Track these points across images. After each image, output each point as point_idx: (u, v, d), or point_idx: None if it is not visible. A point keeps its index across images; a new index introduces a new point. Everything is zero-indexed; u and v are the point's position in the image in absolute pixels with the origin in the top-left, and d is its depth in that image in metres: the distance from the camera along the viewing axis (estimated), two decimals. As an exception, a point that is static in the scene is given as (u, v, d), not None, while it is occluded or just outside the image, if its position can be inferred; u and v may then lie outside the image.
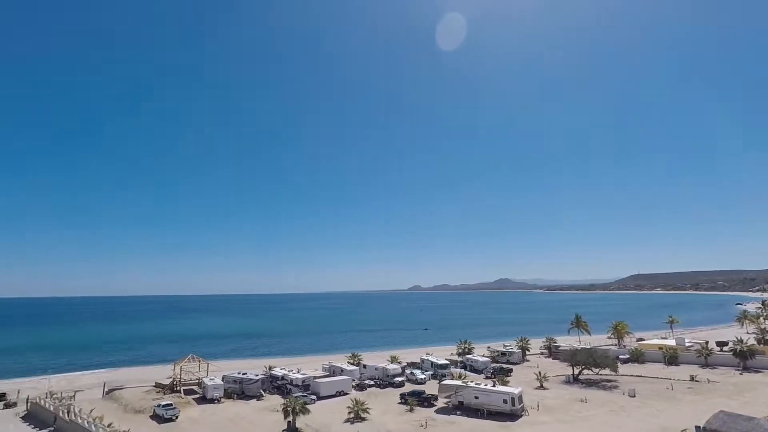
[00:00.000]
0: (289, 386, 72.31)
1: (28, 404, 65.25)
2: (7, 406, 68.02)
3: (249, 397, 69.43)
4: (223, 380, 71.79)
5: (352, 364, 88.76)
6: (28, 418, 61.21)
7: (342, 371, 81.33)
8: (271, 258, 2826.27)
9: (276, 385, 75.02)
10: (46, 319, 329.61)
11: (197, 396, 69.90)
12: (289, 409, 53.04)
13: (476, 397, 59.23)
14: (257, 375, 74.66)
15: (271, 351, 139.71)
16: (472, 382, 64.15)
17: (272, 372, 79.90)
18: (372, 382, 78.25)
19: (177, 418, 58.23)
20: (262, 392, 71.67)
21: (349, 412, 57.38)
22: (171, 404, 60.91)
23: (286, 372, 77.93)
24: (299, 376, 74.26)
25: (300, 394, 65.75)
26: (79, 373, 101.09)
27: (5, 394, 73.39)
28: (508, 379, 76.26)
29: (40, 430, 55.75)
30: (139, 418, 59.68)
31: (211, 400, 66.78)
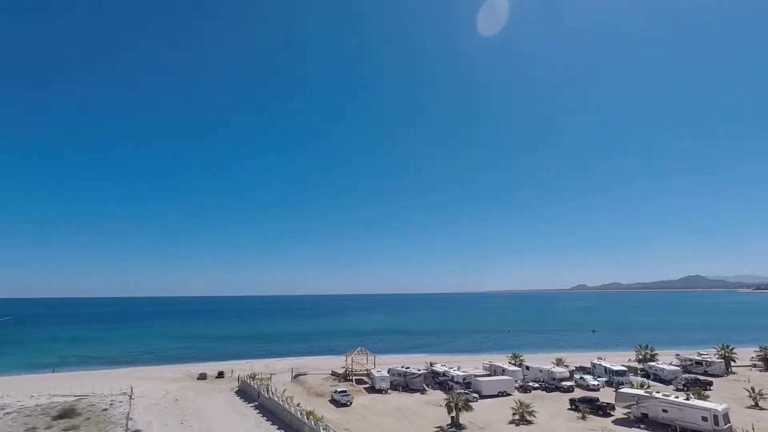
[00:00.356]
0: (450, 383, 73.51)
1: (240, 382, 79.88)
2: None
3: (412, 391, 72.77)
4: (388, 373, 76.62)
5: (514, 364, 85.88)
6: (239, 393, 74.92)
7: (504, 371, 79.32)
8: (436, 258, 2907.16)
9: (438, 380, 76.91)
10: (243, 315, 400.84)
11: (366, 385, 76.22)
12: (452, 404, 54.01)
13: (665, 411, 51.51)
14: (419, 370, 77.72)
15: (430, 348, 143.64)
16: (658, 392, 55.94)
17: (433, 368, 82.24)
18: (536, 385, 74.45)
19: (351, 404, 64.52)
20: (425, 386, 74.35)
21: (514, 414, 55.64)
22: (346, 391, 67.83)
23: (447, 369, 79.42)
24: (460, 373, 74.96)
25: (461, 391, 66.23)
26: (273, 359, 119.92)
27: (223, 372, 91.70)
28: (707, 393, 64.30)
29: (248, 403, 67.73)
30: (319, 400, 67.76)
31: (379, 391, 72.01)
